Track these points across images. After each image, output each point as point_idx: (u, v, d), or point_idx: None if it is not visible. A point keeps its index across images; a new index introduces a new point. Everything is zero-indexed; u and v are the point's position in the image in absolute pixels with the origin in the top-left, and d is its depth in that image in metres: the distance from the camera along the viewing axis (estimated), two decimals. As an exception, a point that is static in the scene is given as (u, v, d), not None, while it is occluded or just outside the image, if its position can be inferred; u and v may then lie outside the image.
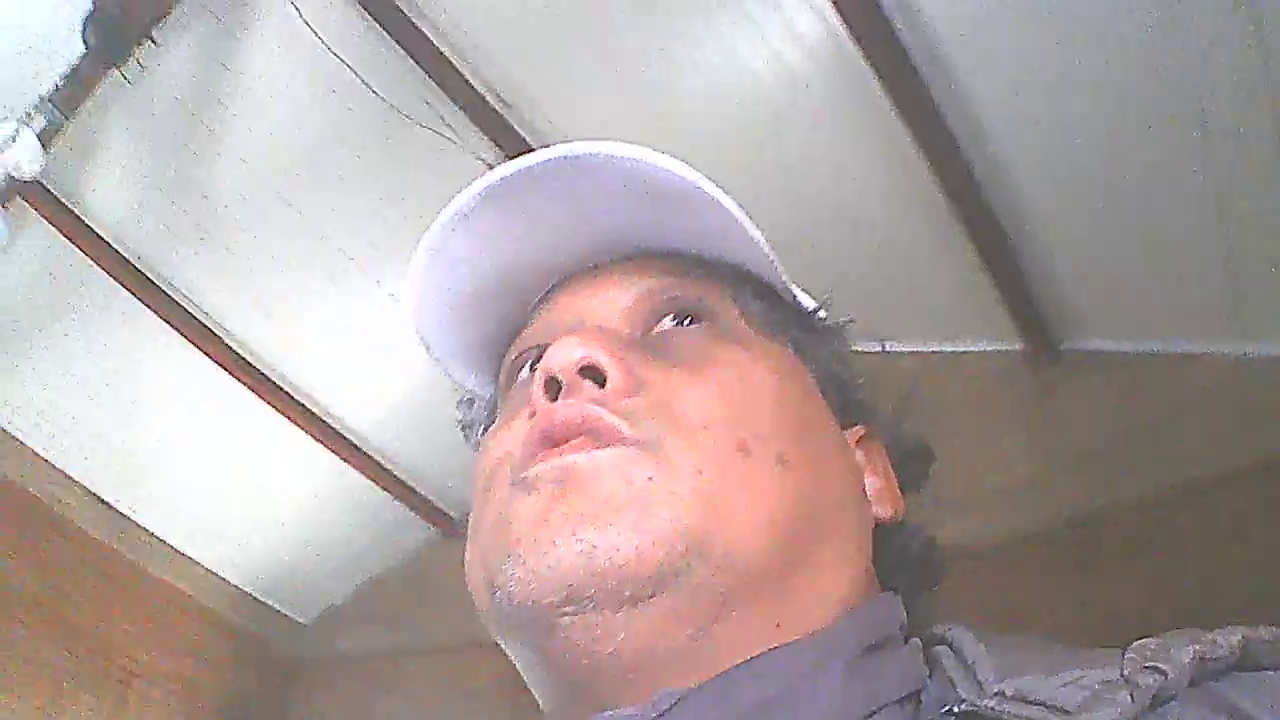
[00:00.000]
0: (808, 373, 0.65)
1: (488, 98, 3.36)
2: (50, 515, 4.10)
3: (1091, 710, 0.43)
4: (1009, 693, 0.47)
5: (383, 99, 3.26)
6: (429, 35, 3.22)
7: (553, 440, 0.55)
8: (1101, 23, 2.54)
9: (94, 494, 4.27)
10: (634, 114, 3.24)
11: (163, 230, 3.60)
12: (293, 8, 2.99)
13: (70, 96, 2.52)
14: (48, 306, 3.74)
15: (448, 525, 4.78)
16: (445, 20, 3.20)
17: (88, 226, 3.52)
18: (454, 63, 3.27)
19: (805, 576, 0.56)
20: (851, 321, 0.72)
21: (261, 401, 4.16)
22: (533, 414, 0.57)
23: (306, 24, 3.07)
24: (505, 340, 0.71)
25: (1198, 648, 0.45)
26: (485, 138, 3.44)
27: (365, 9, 3.13)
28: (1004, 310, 3.47)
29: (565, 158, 0.60)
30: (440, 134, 3.31)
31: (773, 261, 0.65)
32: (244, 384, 4.08)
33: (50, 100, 2.45)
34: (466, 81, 3.30)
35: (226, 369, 4.02)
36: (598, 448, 0.54)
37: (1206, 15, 2.42)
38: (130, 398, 4.04)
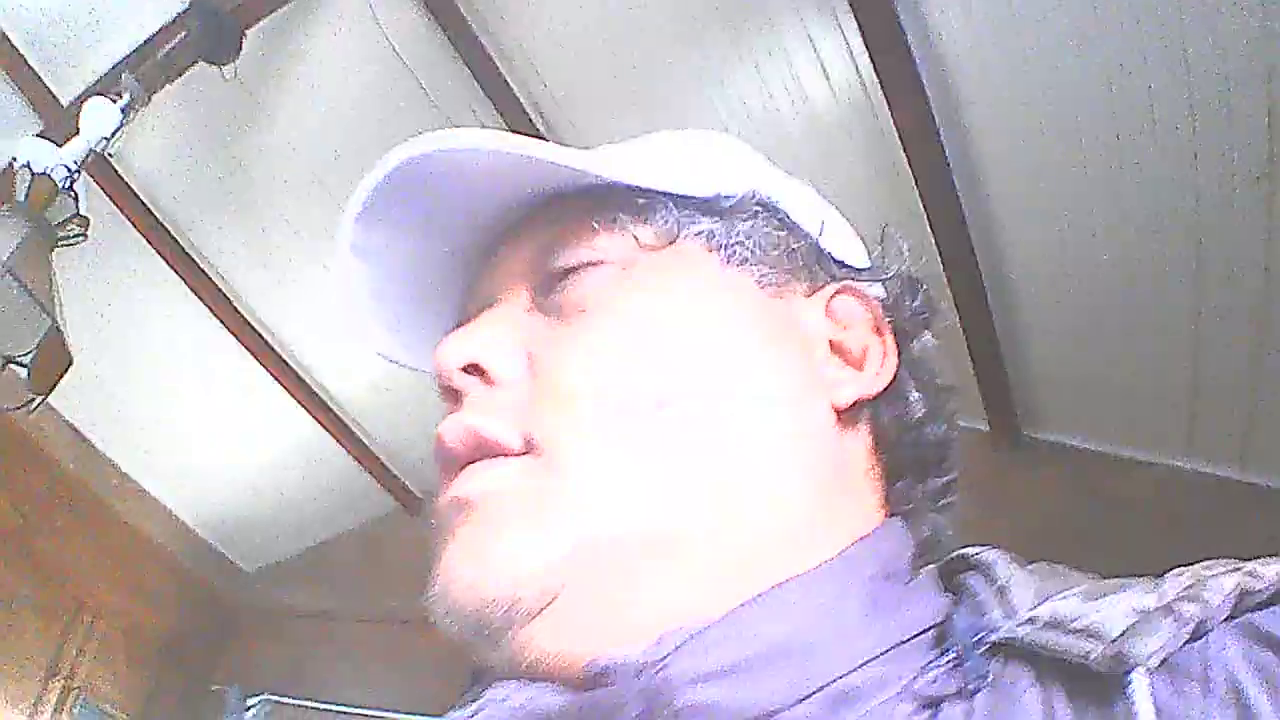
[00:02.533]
0: (721, 264, 0.59)
1: (531, 115, 3.50)
2: (27, 442, 4.14)
3: (1132, 638, 0.41)
4: (1044, 619, 0.45)
5: (432, 101, 3.40)
6: (488, 47, 3.36)
7: (448, 466, 0.54)
8: (1130, 149, 2.75)
9: (71, 425, 4.31)
10: None
11: (191, 190, 3.67)
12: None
13: (153, 75, 2.57)
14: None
15: (409, 501, 4.85)
16: (507, 36, 3.34)
17: (118, 175, 3.59)
18: (506, 78, 3.40)
19: (749, 516, 0.52)
20: (770, 200, 0.63)
21: (249, 357, 4.22)
22: None
23: (374, 18, 3.19)
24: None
25: (1239, 578, 0.43)
26: None
27: (433, 13, 3.25)
28: (977, 390, 3.68)
29: (411, 160, 0.56)
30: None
31: (645, 177, 0.60)
32: (236, 338, 4.15)
33: (135, 77, 2.50)
34: (515, 97, 3.43)
35: (223, 321, 4.09)
36: (481, 470, 0.53)
37: (1221, 184, 2.67)
38: (123, 337, 4.08)
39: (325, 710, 4.46)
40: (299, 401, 4.40)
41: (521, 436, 0.52)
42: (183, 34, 2.56)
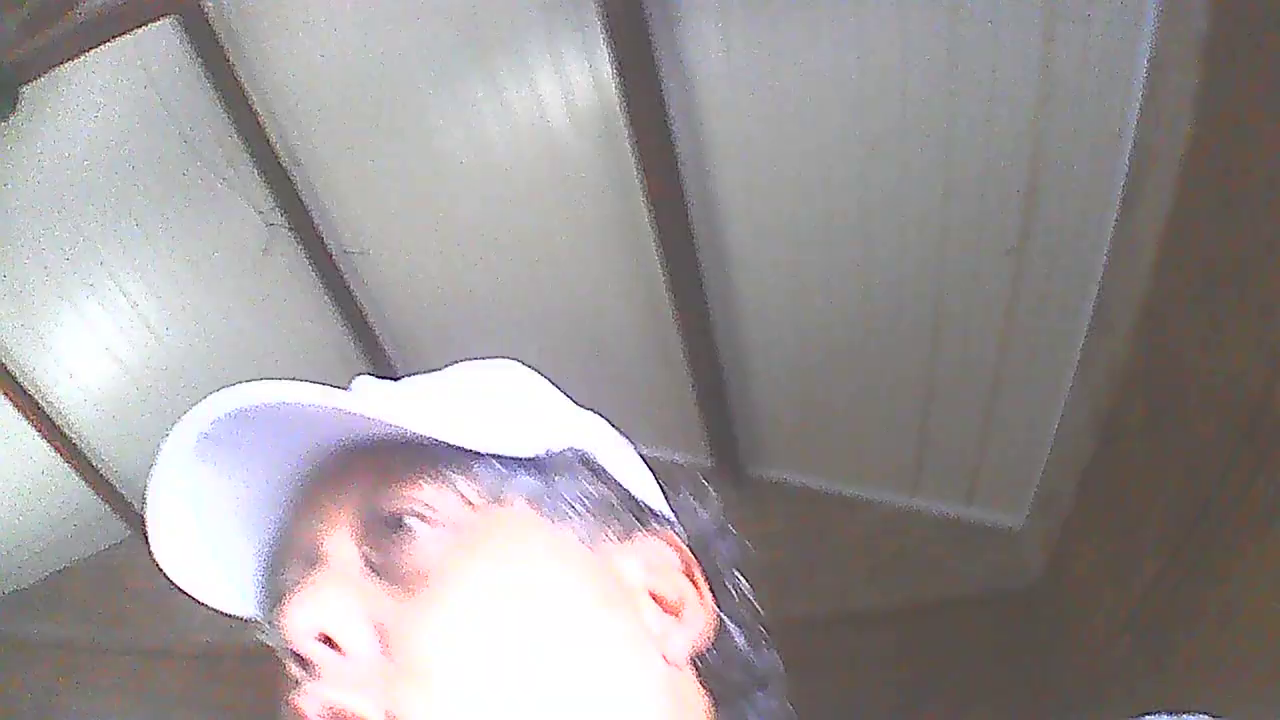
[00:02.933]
0: (547, 524, 0.61)
1: (281, 155, 3.53)
2: None
3: None
4: None
5: (185, 139, 3.37)
6: (246, 88, 3.36)
7: None
8: (881, 210, 2.93)
9: None
10: (412, 183, 3.54)
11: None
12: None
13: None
14: None
15: (143, 527, 4.69)
16: (269, 81, 3.37)
17: None
18: (261, 118, 3.41)
19: None
20: (584, 452, 0.66)
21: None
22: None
23: (145, 70, 3.16)
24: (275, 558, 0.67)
25: None
26: (268, 189, 3.64)
27: (200, 53, 3.25)
28: (701, 428, 3.86)
29: (242, 407, 0.57)
30: (224, 179, 3.47)
31: (468, 437, 0.61)
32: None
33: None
34: (266, 137, 3.47)
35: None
36: None
37: (970, 253, 2.90)
38: None
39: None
40: (33, 425, 4.25)
41: (385, 716, 0.52)
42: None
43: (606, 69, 2.90)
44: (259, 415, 0.57)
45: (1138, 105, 2.42)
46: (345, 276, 3.99)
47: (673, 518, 0.68)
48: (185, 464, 0.61)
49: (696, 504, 0.70)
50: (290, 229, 3.74)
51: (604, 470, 0.66)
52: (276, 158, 3.52)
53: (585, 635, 0.57)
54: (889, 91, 2.64)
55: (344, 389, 0.61)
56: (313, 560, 0.60)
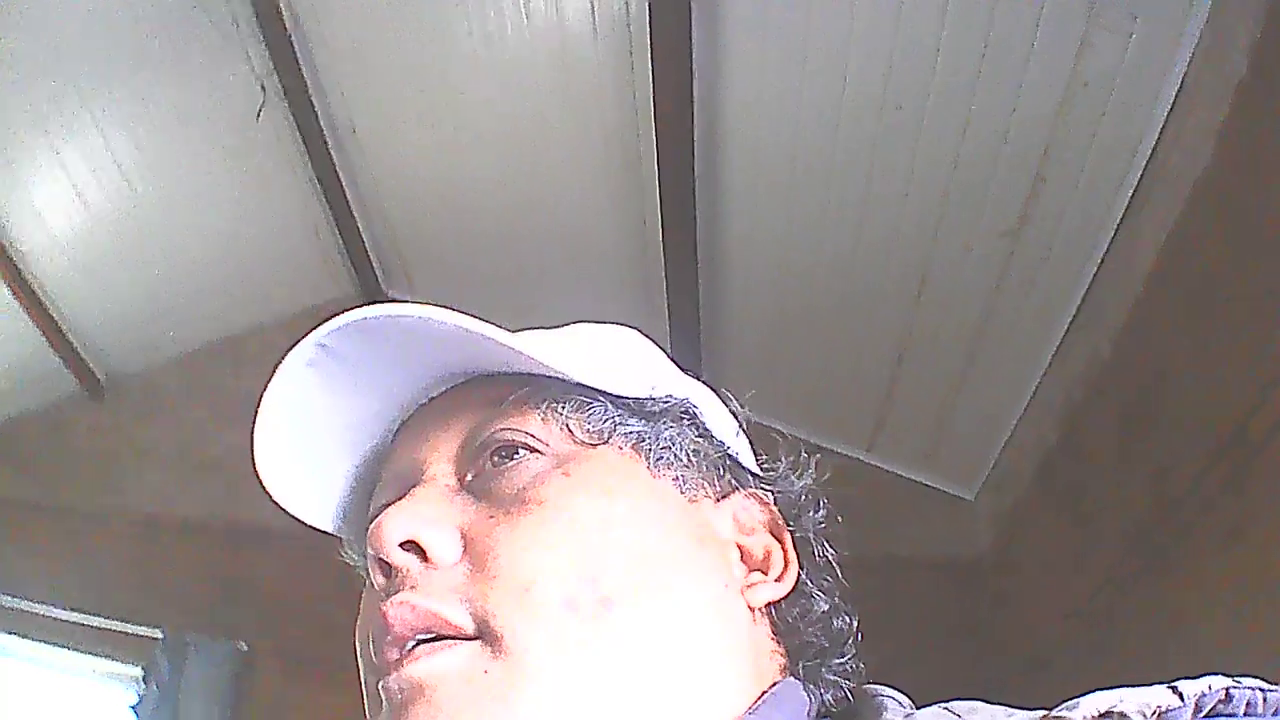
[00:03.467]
0: (649, 470, 0.63)
1: (285, 18, 3.45)
2: None
3: None
4: None
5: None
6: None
7: (393, 644, 0.55)
8: (882, 179, 2.95)
9: None
10: (415, 69, 3.47)
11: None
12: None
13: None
14: None
15: (93, 385, 4.63)
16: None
17: None
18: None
19: (679, 699, 0.56)
20: (689, 405, 0.68)
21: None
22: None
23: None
24: (369, 479, 0.70)
25: (1161, 697, 0.44)
26: (267, 52, 3.53)
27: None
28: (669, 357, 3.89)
29: (367, 320, 0.59)
30: (224, 35, 3.41)
31: (585, 374, 0.63)
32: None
33: None
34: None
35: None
36: (432, 653, 0.54)
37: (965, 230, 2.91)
38: None
39: (9, 601, 4.20)
40: None
41: (474, 620, 0.54)
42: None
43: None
44: (381, 332, 0.60)
45: (1160, 124, 2.45)
46: (331, 151, 3.89)
47: (769, 482, 0.71)
48: (300, 375, 0.63)
49: (792, 472, 0.72)
50: (283, 95, 3.63)
51: (705, 426, 0.68)
52: (280, 19, 3.40)
53: (671, 571, 0.59)
54: (920, 57, 2.63)
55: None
56: (411, 481, 0.63)
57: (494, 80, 3.35)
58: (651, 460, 0.63)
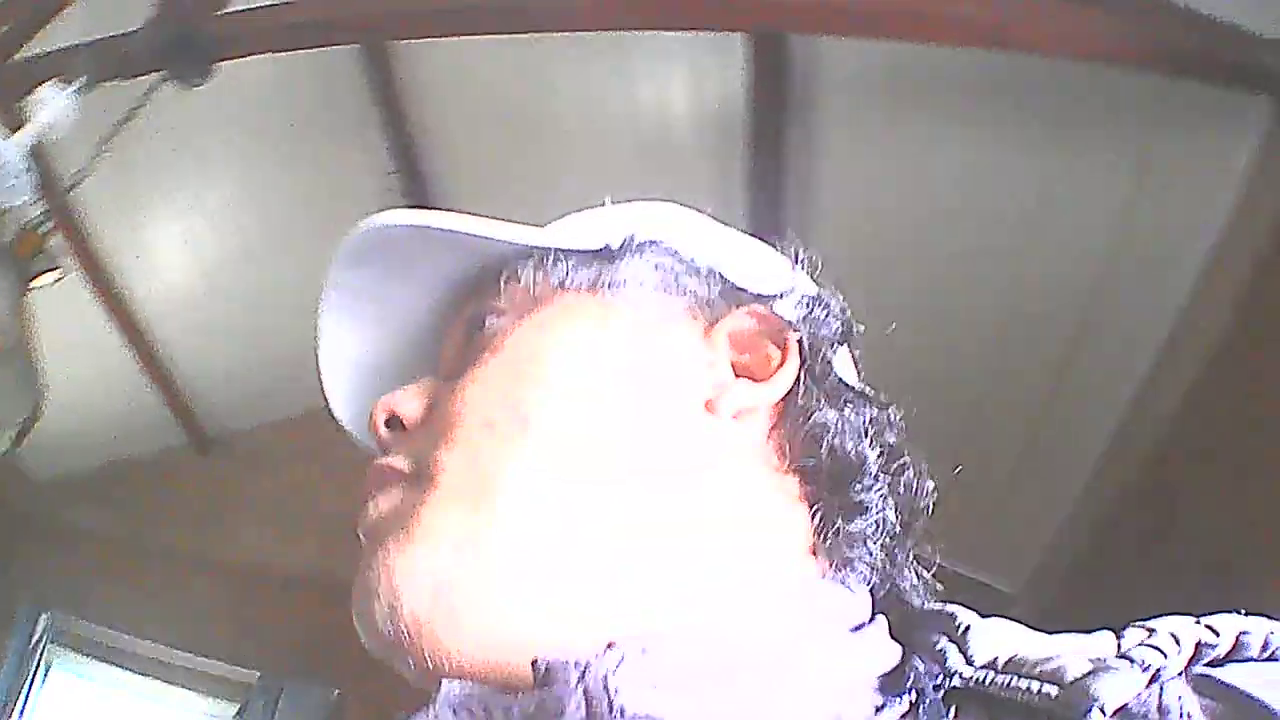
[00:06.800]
0: (600, 303, 0.61)
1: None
2: None
3: (1090, 681, 0.41)
4: (1002, 663, 0.45)
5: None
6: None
7: (365, 502, 0.58)
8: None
9: None
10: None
11: None
12: None
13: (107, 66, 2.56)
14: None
15: (201, 440, 4.93)
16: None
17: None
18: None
19: (604, 513, 0.53)
20: (658, 241, 0.65)
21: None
22: None
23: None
24: None
25: (1198, 632, 0.44)
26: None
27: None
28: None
29: (376, 230, 0.63)
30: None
31: (544, 238, 0.64)
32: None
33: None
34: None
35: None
36: (375, 498, 0.56)
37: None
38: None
39: (116, 637, 4.50)
40: (112, 314, 4.39)
41: (412, 463, 0.56)
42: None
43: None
44: (392, 243, 0.64)
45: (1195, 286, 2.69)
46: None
47: (776, 297, 0.64)
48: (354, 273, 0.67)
49: (796, 272, 0.66)
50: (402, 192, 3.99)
51: (680, 254, 0.65)
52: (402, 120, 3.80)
53: (606, 390, 0.57)
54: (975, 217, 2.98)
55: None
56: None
57: (594, 139, 3.65)
58: (605, 294, 0.62)
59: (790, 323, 0.62)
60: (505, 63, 3.53)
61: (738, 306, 0.63)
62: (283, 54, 3.10)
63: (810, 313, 0.63)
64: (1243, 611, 0.45)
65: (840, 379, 0.62)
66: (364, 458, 0.62)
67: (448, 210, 0.64)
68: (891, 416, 0.62)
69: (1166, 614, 0.46)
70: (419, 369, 0.67)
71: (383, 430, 0.60)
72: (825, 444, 0.58)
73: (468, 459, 0.53)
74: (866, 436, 0.60)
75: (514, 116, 3.75)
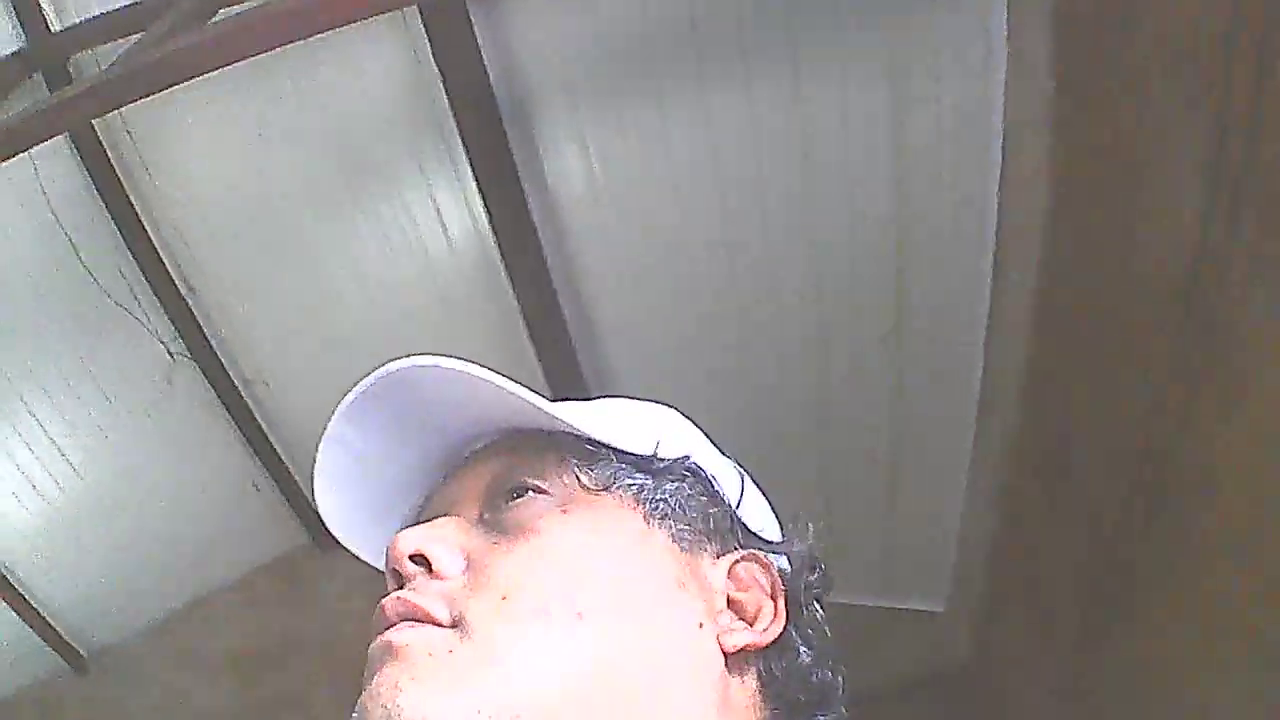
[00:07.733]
0: (644, 518, 0.68)
1: (178, 283, 3.55)
2: None
3: None
4: None
5: (86, 267, 3.38)
6: (141, 214, 3.39)
7: (381, 625, 0.62)
8: (750, 316, 3.01)
9: None
10: (302, 311, 3.58)
11: None
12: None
13: None
14: None
15: (77, 661, 4.61)
16: (162, 209, 3.39)
17: None
18: (156, 245, 3.44)
19: (635, 713, 0.60)
20: (696, 466, 0.73)
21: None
22: None
23: (36, 174, 3.16)
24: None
25: None
26: (166, 318, 3.64)
27: (92, 177, 3.25)
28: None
29: (390, 374, 0.68)
30: (127, 310, 3.50)
31: (596, 431, 0.70)
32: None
33: None
34: (163, 265, 3.48)
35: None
36: (411, 627, 0.60)
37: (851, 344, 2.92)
38: None
39: None
40: None
41: (452, 615, 0.61)
42: None
43: (475, 195, 3.01)
44: (426, 383, 0.68)
45: (997, 175, 2.47)
46: (250, 406, 3.93)
47: (774, 544, 0.74)
48: (355, 422, 0.72)
49: (796, 536, 0.76)
50: (191, 358, 3.70)
51: (714, 488, 0.73)
52: (174, 286, 3.51)
53: (646, 603, 0.64)
54: (747, 196, 2.73)
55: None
56: (441, 516, 0.70)
57: (377, 304, 3.47)
58: (648, 510, 0.69)
59: (785, 574, 0.71)
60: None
61: (741, 547, 0.72)
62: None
63: (803, 570, 0.72)
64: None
65: (817, 625, 0.72)
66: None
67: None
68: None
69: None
70: (406, 463, 0.76)
71: (409, 565, 0.64)
72: (802, 681, 0.68)
73: (520, 636, 0.58)
74: (826, 668, 0.70)
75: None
